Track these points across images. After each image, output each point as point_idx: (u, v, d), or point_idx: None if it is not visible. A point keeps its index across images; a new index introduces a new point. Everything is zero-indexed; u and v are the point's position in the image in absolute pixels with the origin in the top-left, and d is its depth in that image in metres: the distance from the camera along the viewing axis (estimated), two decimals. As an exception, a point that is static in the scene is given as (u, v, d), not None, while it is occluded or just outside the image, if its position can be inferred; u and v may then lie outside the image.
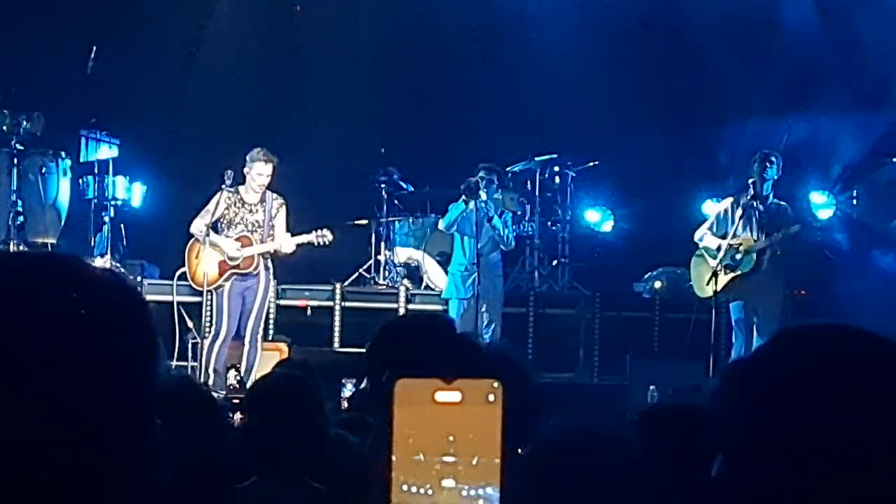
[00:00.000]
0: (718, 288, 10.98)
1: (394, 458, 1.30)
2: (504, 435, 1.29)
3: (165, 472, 3.00)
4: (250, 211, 10.87)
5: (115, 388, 1.40)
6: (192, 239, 11.00)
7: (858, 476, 1.45)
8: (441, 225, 12.14)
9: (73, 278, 1.44)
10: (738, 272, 11.13)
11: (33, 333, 1.38)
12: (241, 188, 10.88)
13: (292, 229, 11.06)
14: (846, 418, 1.46)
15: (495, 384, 1.30)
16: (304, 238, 10.96)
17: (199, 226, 10.87)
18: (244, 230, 10.84)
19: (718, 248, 11.08)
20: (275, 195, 10.94)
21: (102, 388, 1.39)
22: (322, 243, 10.99)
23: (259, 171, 10.76)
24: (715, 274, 10.97)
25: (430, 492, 1.29)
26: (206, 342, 10.93)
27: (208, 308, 11.28)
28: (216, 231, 10.88)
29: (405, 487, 1.30)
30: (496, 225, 11.75)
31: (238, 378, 10.46)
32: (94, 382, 1.39)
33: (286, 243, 10.88)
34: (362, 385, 7.02)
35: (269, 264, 11.02)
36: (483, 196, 11.66)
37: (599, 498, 2.24)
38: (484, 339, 11.49)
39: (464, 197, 11.66)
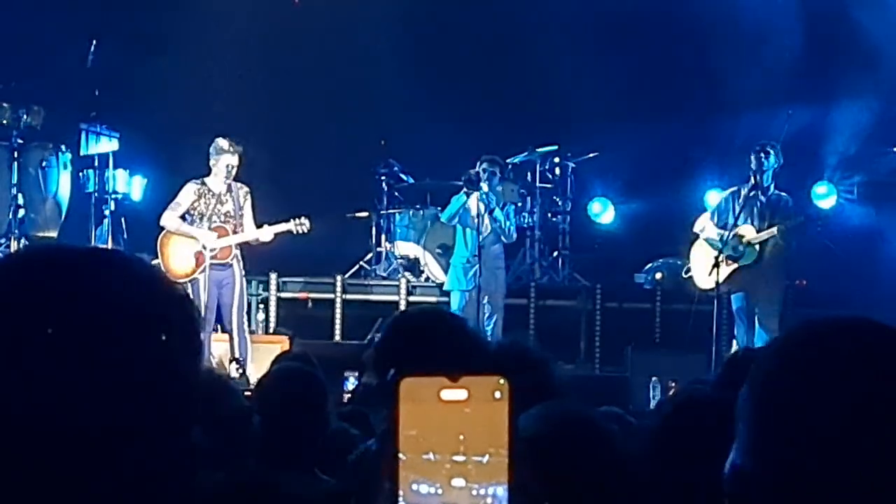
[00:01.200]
0: (720, 279, 10.98)
1: (402, 456, 1.29)
2: (512, 432, 1.28)
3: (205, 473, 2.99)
4: (220, 202, 10.89)
5: (158, 384, 1.38)
6: (164, 232, 11.02)
7: (880, 466, 1.46)
8: (442, 217, 12.14)
9: (119, 272, 1.42)
10: (740, 263, 11.13)
11: (80, 329, 1.36)
12: (207, 179, 10.91)
13: (277, 219, 11.07)
14: (868, 409, 1.47)
15: (501, 381, 1.29)
16: (282, 227, 10.97)
17: (170, 218, 10.92)
18: (218, 221, 10.86)
19: (721, 239, 11.08)
20: (239, 184, 10.97)
21: (147, 384, 1.37)
22: (301, 231, 10.99)
23: (229, 161, 10.79)
24: (717, 264, 10.96)
25: (440, 491, 1.29)
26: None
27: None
28: (187, 223, 10.92)
29: (414, 486, 1.29)
30: (497, 217, 11.75)
31: (240, 371, 10.47)
32: (139, 378, 1.37)
33: (264, 233, 10.89)
34: (364, 378, 7.02)
35: (240, 255, 11.02)
36: (484, 188, 11.65)
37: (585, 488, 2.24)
38: (486, 331, 11.54)
39: (465, 189, 11.66)
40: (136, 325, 1.38)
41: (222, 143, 10.83)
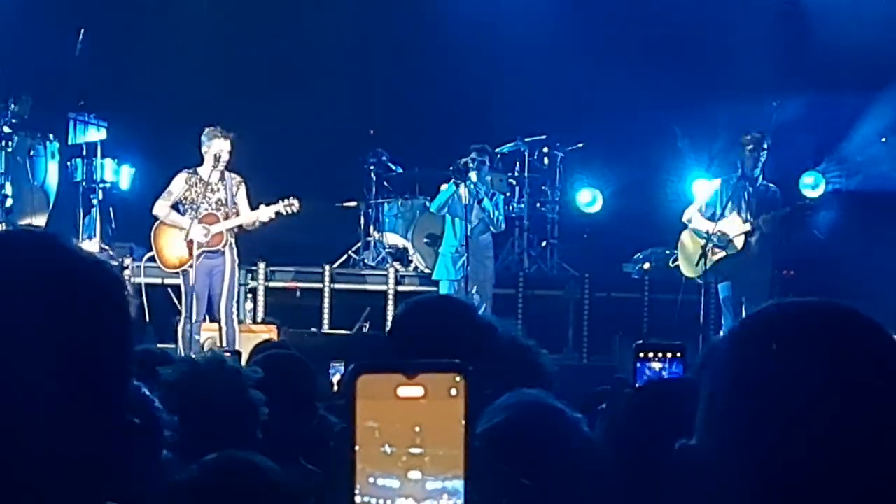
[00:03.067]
0: (707, 267, 11.02)
1: (358, 448, 1.31)
2: (468, 428, 1.31)
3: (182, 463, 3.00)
4: (212, 190, 10.87)
5: (84, 369, 1.40)
6: (157, 222, 11.01)
7: (833, 446, 1.48)
8: (432, 207, 12.15)
9: (49, 255, 1.44)
10: (728, 252, 11.17)
11: (7, 310, 1.38)
12: (199, 169, 10.87)
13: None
14: (822, 391, 1.49)
15: (457, 378, 1.31)
16: (272, 208, 10.94)
17: (161, 207, 10.91)
18: (210, 209, 10.84)
19: (708, 232, 11.13)
20: (232, 174, 10.93)
21: (70, 368, 1.39)
22: (290, 212, 10.95)
23: (221, 147, 10.75)
24: (704, 254, 11.00)
25: (396, 483, 1.31)
26: (180, 324, 10.92)
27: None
28: (180, 213, 10.89)
29: (371, 479, 1.31)
30: (486, 207, 11.76)
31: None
32: (64, 362, 1.38)
33: (262, 213, 10.85)
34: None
35: (234, 243, 10.99)
36: (473, 177, 11.67)
37: (552, 478, 2.26)
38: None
39: (453, 179, 11.67)
40: (63, 307, 1.40)
41: (212, 130, 10.81)
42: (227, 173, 10.88)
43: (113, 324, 1.44)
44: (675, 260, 11.73)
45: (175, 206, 10.92)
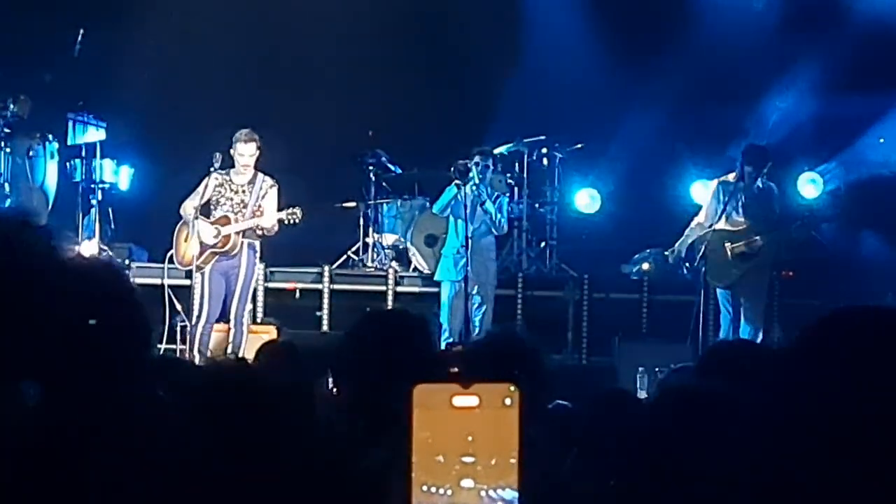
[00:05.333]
0: (737, 277, 11.10)
1: (414, 459, 1.32)
2: (522, 437, 1.31)
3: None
4: (237, 192, 10.89)
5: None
6: (182, 221, 11.04)
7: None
8: (434, 208, 12.15)
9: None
10: (753, 263, 11.20)
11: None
12: (231, 171, 10.92)
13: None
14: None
15: (511, 388, 1.32)
16: (275, 215, 10.95)
17: (186, 207, 10.95)
18: (228, 211, 10.85)
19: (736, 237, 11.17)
20: (265, 177, 10.94)
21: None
22: (292, 221, 10.96)
23: (241, 150, 10.80)
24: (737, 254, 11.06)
25: (449, 492, 1.31)
26: (190, 325, 10.95)
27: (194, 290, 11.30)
28: (207, 213, 10.91)
29: (425, 488, 1.32)
30: (488, 209, 11.78)
31: (233, 362, 10.43)
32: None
33: (265, 218, 10.85)
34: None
35: (256, 245, 10.99)
36: (476, 180, 11.69)
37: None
38: (474, 321, 11.58)
39: (456, 181, 11.67)
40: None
41: (238, 132, 10.86)
42: (259, 176, 10.90)
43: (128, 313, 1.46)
44: (689, 267, 11.66)
45: (205, 206, 10.92)
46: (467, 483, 1.33)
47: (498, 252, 12.51)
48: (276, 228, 10.92)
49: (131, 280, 1.54)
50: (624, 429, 2.44)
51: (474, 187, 11.69)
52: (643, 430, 2.45)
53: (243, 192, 10.88)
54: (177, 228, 11.11)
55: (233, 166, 10.90)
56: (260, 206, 10.87)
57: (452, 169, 11.68)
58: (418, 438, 1.32)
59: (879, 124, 13.60)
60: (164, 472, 2.61)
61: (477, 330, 11.55)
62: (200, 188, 10.90)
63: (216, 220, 10.85)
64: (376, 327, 3.38)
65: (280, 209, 10.92)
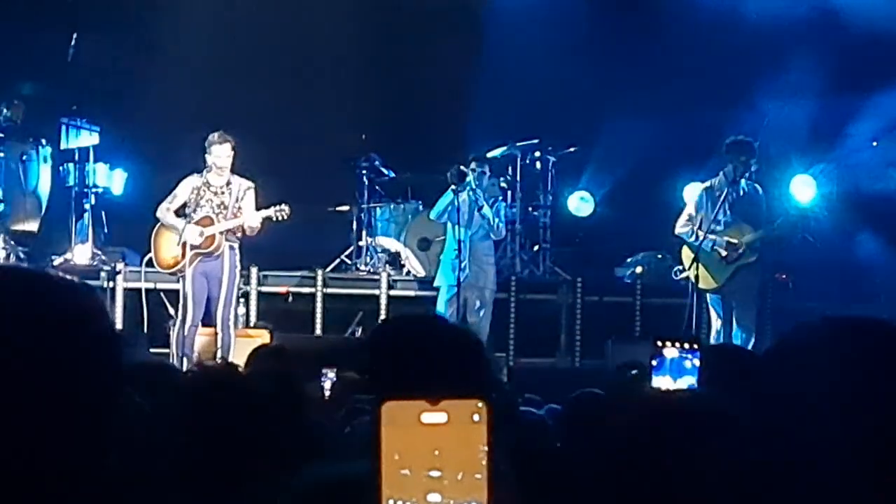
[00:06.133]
0: (725, 279, 11.08)
1: (382, 473, 1.32)
2: (490, 453, 1.32)
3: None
4: (216, 194, 10.88)
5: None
6: (158, 224, 11.02)
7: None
8: (432, 214, 12.16)
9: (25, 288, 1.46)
10: (741, 262, 11.19)
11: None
12: (207, 173, 10.88)
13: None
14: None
15: (480, 404, 1.32)
16: (263, 213, 10.93)
17: (162, 209, 10.93)
18: (209, 212, 10.84)
19: (714, 245, 11.13)
20: (241, 180, 10.93)
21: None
22: (281, 217, 10.95)
23: (217, 153, 10.78)
24: (695, 263, 11.02)
25: (415, 507, 1.32)
26: (175, 328, 10.91)
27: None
28: (184, 216, 10.88)
29: (391, 502, 1.33)
30: (486, 214, 11.82)
31: (221, 366, 10.43)
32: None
33: (251, 217, 10.82)
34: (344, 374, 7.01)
35: (236, 247, 10.96)
36: (473, 185, 11.72)
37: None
38: (471, 323, 11.61)
39: (452, 186, 11.67)
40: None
41: (211, 135, 10.83)
42: (235, 178, 10.89)
43: (96, 350, 1.46)
44: (679, 272, 11.67)
45: (182, 209, 10.90)
46: (434, 497, 1.33)
47: (494, 251, 12.52)
48: (258, 227, 10.87)
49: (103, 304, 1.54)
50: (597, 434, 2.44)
51: (471, 192, 11.71)
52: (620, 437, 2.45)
53: (222, 193, 10.88)
54: (153, 233, 11.07)
55: (210, 170, 10.85)
56: (239, 207, 10.87)
57: (449, 174, 11.69)
58: (387, 454, 1.32)
59: (873, 126, 13.61)
60: (140, 480, 2.61)
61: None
62: (177, 190, 10.91)
63: (198, 220, 10.83)
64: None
65: (260, 209, 10.89)
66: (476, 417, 1.32)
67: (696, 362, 3.41)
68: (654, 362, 3.40)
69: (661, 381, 3.39)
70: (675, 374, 3.38)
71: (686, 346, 3.43)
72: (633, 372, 5.27)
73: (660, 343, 3.42)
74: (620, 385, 5.22)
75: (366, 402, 4.65)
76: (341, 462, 1.98)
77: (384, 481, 1.33)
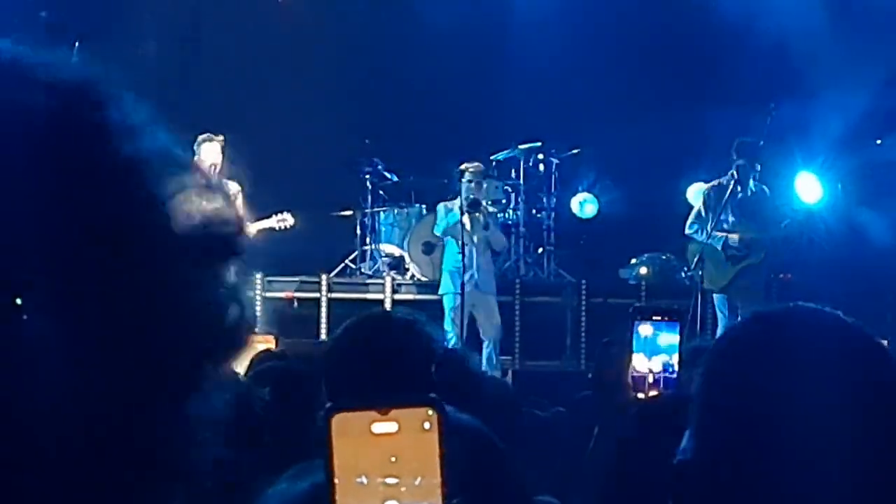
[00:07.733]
0: (730, 278, 11.06)
1: (336, 482, 1.32)
2: (443, 459, 1.31)
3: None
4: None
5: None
6: None
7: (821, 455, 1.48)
8: (436, 231, 12.14)
9: None
10: (746, 263, 11.17)
11: None
12: None
13: (260, 217, 11.02)
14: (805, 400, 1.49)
15: (430, 412, 1.31)
16: (264, 223, 10.90)
17: None
18: None
19: (727, 242, 11.12)
20: (231, 182, 10.91)
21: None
22: (283, 227, 10.93)
23: (206, 152, 10.74)
24: (701, 261, 11.01)
25: (372, 514, 1.32)
26: None
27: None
28: None
29: (348, 512, 1.32)
30: (491, 231, 11.93)
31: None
32: None
33: (250, 227, 10.80)
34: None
35: None
36: (487, 210, 11.81)
37: None
38: (483, 329, 11.68)
39: (463, 209, 11.65)
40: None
41: (200, 136, 10.80)
42: (224, 182, 10.85)
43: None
44: (688, 271, 11.65)
45: None
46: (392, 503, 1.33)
47: (493, 258, 12.53)
48: (252, 234, 10.85)
49: None
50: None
51: (480, 217, 11.76)
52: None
53: None
54: None
55: None
56: None
57: (466, 205, 11.62)
58: (340, 465, 1.32)
59: (878, 125, 13.59)
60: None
61: (491, 335, 11.75)
62: None
63: None
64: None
65: (261, 217, 10.85)
66: (427, 425, 1.31)
67: (675, 338, 3.19)
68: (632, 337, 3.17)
69: (636, 360, 3.18)
70: (648, 352, 3.20)
71: (665, 318, 3.20)
72: (605, 340, 5.16)
73: (638, 317, 3.17)
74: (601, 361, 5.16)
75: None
76: (300, 477, 1.97)
77: (338, 491, 1.32)
